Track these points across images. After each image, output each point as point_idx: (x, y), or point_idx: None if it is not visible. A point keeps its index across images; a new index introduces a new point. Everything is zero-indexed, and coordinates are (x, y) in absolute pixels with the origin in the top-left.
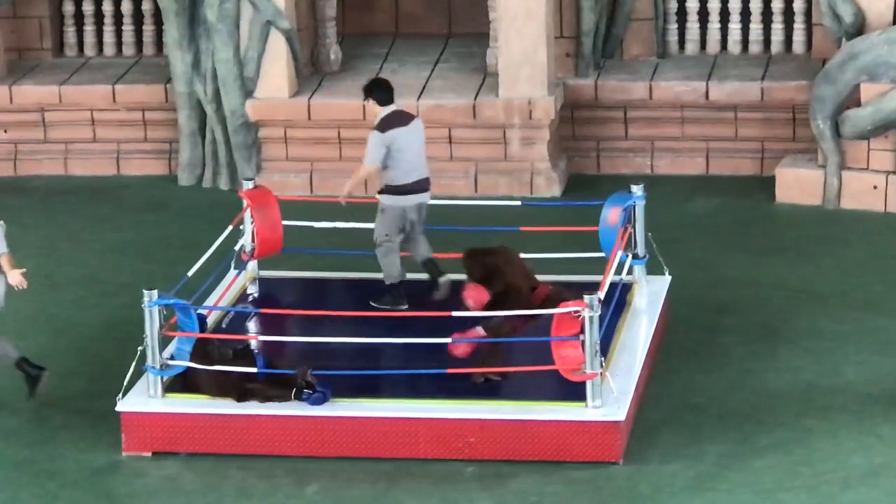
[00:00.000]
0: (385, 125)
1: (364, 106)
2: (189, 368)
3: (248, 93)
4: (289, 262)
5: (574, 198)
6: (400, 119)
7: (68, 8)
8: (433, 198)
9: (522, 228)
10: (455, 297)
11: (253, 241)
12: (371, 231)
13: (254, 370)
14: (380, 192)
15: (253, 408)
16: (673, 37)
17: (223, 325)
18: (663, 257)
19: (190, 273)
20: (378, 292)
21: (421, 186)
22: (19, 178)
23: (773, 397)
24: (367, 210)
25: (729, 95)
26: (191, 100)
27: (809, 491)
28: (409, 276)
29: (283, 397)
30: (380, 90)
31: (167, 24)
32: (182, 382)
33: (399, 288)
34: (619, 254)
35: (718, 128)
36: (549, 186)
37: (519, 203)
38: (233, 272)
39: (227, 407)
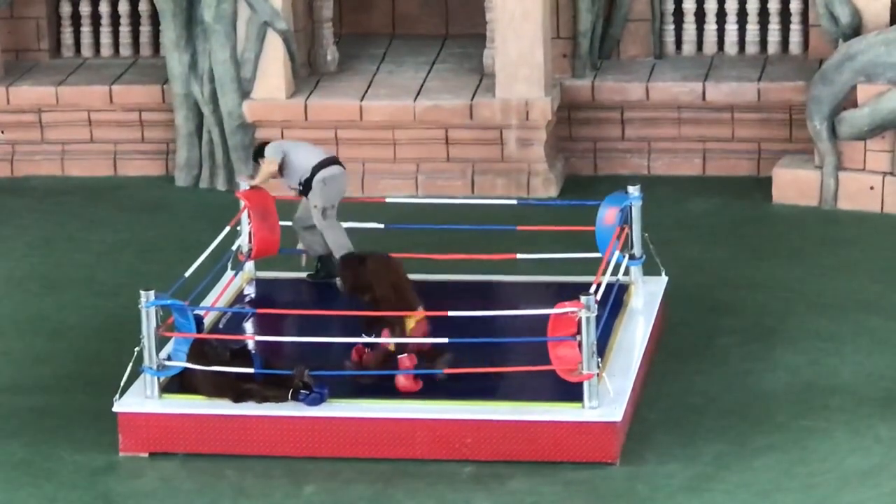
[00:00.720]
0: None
1: (264, 167)
2: (186, 369)
3: (245, 94)
4: (286, 263)
5: (571, 198)
6: None
7: (65, 9)
8: (430, 197)
9: (519, 228)
10: (448, 296)
11: (250, 241)
12: (373, 231)
13: (251, 371)
14: (310, 179)
15: (250, 408)
16: (670, 37)
17: (220, 326)
18: (660, 258)
19: (187, 274)
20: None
21: None
22: (16, 179)
23: (770, 398)
24: (363, 212)
25: (726, 96)
26: (188, 101)
27: (806, 491)
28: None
29: (280, 398)
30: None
31: (164, 25)
32: (179, 383)
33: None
34: (616, 254)
35: (715, 128)
36: (546, 187)
37: (515, 202)
38: (230, 273)
39: (224, 407)
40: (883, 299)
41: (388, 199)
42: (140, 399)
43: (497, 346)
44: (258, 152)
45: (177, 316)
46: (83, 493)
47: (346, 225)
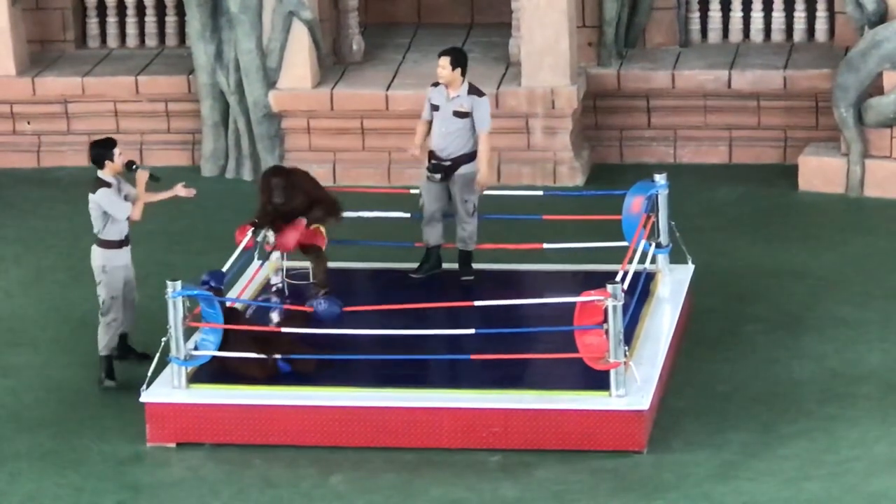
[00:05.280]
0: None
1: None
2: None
3: (270, 83)
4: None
5: (597, 187)
6: None
7: None
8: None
9: (545, 217)
10: (475, 285)
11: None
12: (400, 220)
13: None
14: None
15: (277, 398)
16: (695, 25)
17: (247, 316)
18: (686, 246)
19: (225, 268)
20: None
21: None
22: (42, 170)
23: (797, 385)
24: (390, 202)
25: (752, 84)
26: (214, 91)
27: (833, 479)
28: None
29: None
30: (466, 60)
31: (190, 15)
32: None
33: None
34: (643, 243)
35: (741, 116)
36: (572, 176)
37: (541, 193)
38: (256, 263)
39: (251, 397)
40: None
41: (412, 191)
42: (167, 389)
43: (524, 335)
44: (461, 59)
45: (204, 306)
46: (110, 483)
47: (373, 214)
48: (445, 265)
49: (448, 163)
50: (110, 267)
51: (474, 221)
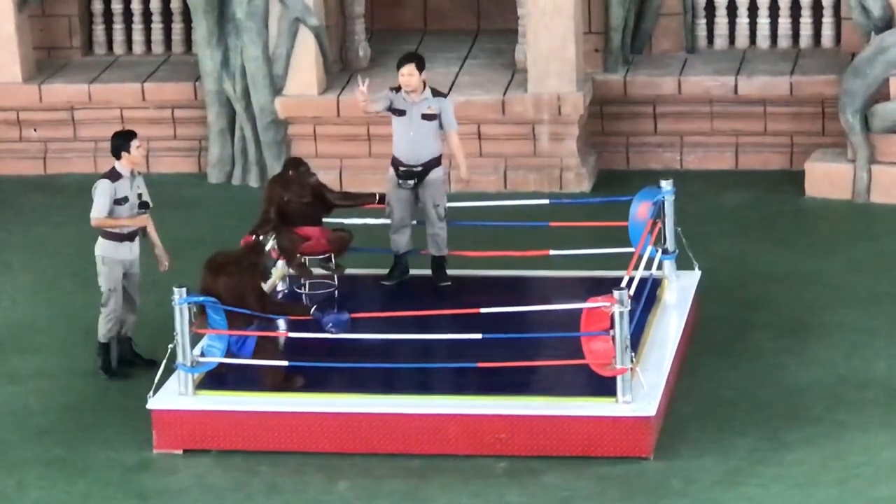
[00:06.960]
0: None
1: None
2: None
3: (277, 90)
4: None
5: (603, 193)
6: None
7: (97, 6)
8: (461, 195)
9: (552, 224)
10: (481, 291)
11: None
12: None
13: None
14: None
15: (284, 405)
16: (702, 31)
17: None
18: (693, 252)
19: None
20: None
21: None
22: (49, 177)
23: (804, 392)
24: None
25: (758, 90)
26: (220, 97)
27: (840, 485)
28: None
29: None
30: (424, 64)
31: (196, 22)
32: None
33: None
34: (649, 248)
35: (748, 122)
36: (579, 182)
37: (547, 201)
38: None
39: (257, 404)
40: None
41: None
42: (174, 396)
43: (530, 341)
44: (422, 63)
45: (210, 313)
46: (117, 489)
47: (379, 222)
48: (467, 272)
49: (419, 168)
50: (108, 259)
51: (445, 226)
